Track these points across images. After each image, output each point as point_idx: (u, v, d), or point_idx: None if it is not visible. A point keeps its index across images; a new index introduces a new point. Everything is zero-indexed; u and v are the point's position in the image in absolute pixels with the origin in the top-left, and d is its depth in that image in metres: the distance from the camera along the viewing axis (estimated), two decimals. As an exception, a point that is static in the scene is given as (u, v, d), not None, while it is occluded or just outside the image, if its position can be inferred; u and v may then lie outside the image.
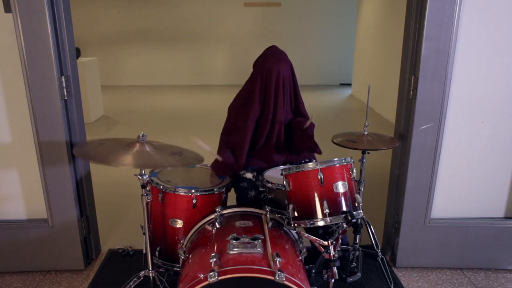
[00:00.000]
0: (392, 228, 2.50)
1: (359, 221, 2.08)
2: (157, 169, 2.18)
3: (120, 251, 2.59)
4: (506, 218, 2.43)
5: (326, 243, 1.75)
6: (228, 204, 2.15)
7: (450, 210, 2.41)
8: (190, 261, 1.64)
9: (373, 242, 2.20)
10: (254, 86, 2.17)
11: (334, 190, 1.70)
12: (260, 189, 2.04)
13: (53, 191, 2.25)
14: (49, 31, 2.02)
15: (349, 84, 8.95)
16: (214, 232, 1.74)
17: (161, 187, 1.97)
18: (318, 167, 1.70)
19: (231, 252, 1.51)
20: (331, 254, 1.74)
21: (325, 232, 2.18)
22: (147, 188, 1.83)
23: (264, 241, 1.59)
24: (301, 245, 1.81)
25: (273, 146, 2.22)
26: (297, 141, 2.20)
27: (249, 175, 2.18)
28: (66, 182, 2.24)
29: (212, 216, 1.84)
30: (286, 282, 1.39)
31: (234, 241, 1.54)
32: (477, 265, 2.46)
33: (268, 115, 2.18)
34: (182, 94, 8.49)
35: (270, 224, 1.78)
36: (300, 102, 2.28)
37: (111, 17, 9.14)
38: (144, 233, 1.90)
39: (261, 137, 2.21)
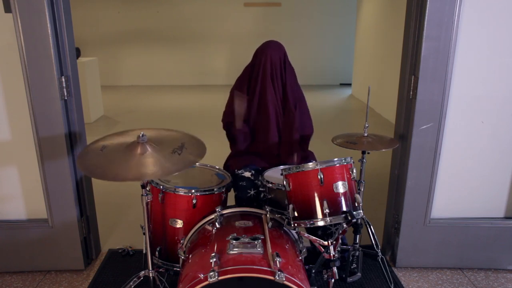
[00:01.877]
0: (392, 228, 2.50)
1: (359, 221, 2.08)
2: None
3: (120, 251, 2.59)
4: (506, 218, 2.43)
5: (326, 243, 1.75)
6: (228, 204, 2.15)
7: (450, 210, 2.41)
8: (190, 261, 1.64)
9: (373, 242, 2.20)
10: (246, 70, 2.29)
11: (334, 190, 1.70)
12: (260, 189, 2.04)
13: (53, 191, 2.25)
14: (49, 31, 2.02)
15: (349, 84, 8.95)
16: (214, 232, 1.74)
17: (161, 187, 1.97)
18: (318, 167, 1.70)
19: (231, 252, 1.51)
20: (331, 254, 1.74)
21: (324, 234, 2.18)
22: (147, 188, 1.83)
23: (264, 241, 1.59)
24: (301, 245, 1.81)
25: (270, 138, 2.24)
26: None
27: (247, 174, 2.19)
28: (66, 182, 2.24)
29: (212, 216, 1.84)
30: (286, 282, 1.39)
31: (234, 241, 1.54)
32: (477, 265, 2.46)
33: (254, 99, 2.23)
34: (182, 94, 8.49)
35: (270, 224, 1.78)
36: (290, 100, 2.26)
37: (111, 17, 9.14)
38: (144, 233, 1.89)
39: (259, 129, 2.24)
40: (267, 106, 2.22)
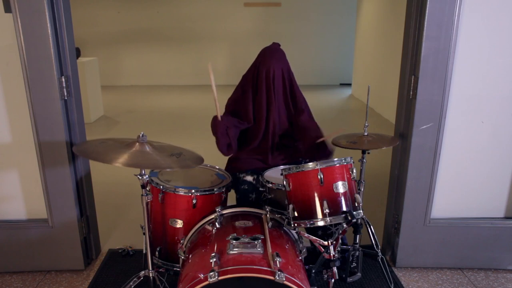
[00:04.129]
0: (392, 228, 2.50)
1: (359, 221, 2.08)
2: (156, 169, 2.18)
3: (120, 251, 2.59)
4: (506, 218, 2.43)
5: (326, 243, 1.75)
6: (228, 204, 2.15)
7: (450, 210, 2.41)
8: (190, 261, 1.64)
9: (373, 242, 2.20)
10: (247, 81, 2.24)
11: (334, 190, 1.70)
12: (260, 189, 2.04)
13: (53, 191, 2.25)
14: (49, 31, 2.02)
15: (349, 84, 8.95)
16: (214, 232, 1.74)
17: (161, 187, 1.97)
18: (318, 167, 1.70)
19: (231, 252, 1.51)
20: (331, 254, 1.74)
21: (324, 234, 2.18)
22: (147, 188, 1.83)
23: (264, 241, 1.59)
24: (301, 245, 1.81)
25: (269, 147, 2.22)
26: (303, 148, 2.23)
27: (249, 178, 2.18)
28: (66, 182, 2.24)
29: (212, 216, 1.84)
30: (286, 282, 1.39)
31: (234, 241, 1.54)
32: (477, 265, 2.46)
33: (261, 113, 2.18)
34: (182, 94, 8.49)
35: (270, 224, 1.78)
36: (299, 107, 2.25)
37: (111, 17, 9.14)
38: (144, 233, 1.90)
39: (257, 137, 2.22)
40: (269, 122, 2.21)
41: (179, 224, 1.97)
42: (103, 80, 7.46)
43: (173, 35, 9.25)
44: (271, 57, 2.17)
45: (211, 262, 1.43)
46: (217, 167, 2.29)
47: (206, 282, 1.38)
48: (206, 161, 2.11)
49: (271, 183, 1.90)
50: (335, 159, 1.73)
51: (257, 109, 2.21)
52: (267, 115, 2.20)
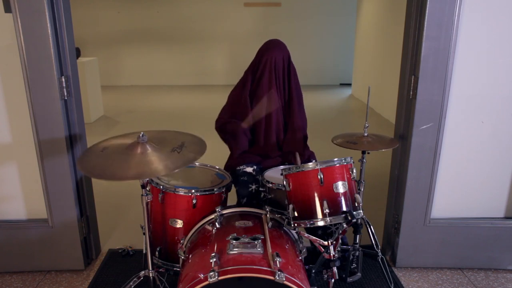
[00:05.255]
0: (392, 228, 2.50)
1: (359, 221, 2.08)
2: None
3: (120, 251, 2.59)
4: (506, 218, 2.43)
5: (326, 243, 1.75)
6: (228, 204, 2.15)
7: (450, 210, 2.41)
8: (190, 261, 1.64)
9: (373, 242, 2.20)
10: (248, 73, 2.27)
11: (334, 190, 1.70)
12: (260, 189, 2.04)
13: (53, 191, 2.25)
14: (49, 31, 2.02)
15: (349, 84, 8.95)
16: (214, 232, 1.74)
17: (161, 187, 1.97)
18: (318, 167, 1.70)
19: (231, 252, 1.51)
20: (331, 254, 1.74)
21: (324, 234, 2.18)
22: (147, 188, 1.83)
23: (264, 241, 1.59)
24: (301, 245, 1.81)
25: (270, 140, 2.24)
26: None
27: (249, 169, 2.20)
28: (66, 182, 2.24)
29: (212, 216, 1.84)
30: (286, 282, 1.39)
31: (234, 241, 1.54)
32: (477, 265, 2.47)
33: (262, 101, 2.22)
34: (182, 94, 8.49)
35: (270, 224, 1.78)
36: (294, 101, 2.27)
37: (111, 17, 9.14)
38: (144, 233, 1.89)
39: (259, 130, 2.23)
40: (270, 108, 2.22)
41: (179, 224, 1.97)
42: (103, 80, 7.46)
43: (173, 35, 9.25)
44: (273, 48, 2.23)
45: (211, 262, 1.43)
46: (217, 167, 2.29)
47: (206, 282, 1.39)
48: (206, 161, 2.12)
49: (271, 183, 1.90)
50: (335, 159, 1.73)
51: (257, 100, 2.22)
52: (268, 107, 2.22)
